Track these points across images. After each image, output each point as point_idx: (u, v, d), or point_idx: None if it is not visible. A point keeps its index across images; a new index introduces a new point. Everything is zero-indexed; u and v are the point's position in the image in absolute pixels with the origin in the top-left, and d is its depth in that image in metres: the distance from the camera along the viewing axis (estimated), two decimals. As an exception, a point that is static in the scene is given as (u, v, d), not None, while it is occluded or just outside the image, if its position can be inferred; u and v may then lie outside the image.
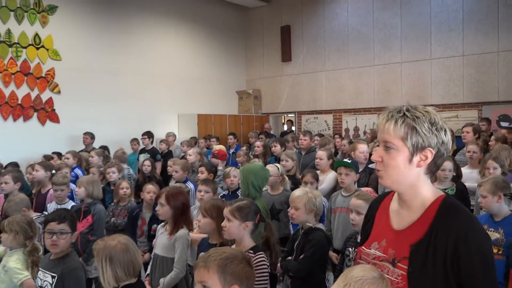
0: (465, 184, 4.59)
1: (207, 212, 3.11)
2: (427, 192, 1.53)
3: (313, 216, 3.28)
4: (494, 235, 3.01)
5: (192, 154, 6.62)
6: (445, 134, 1.49)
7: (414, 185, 1.52)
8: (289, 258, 3.26)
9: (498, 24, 9.74)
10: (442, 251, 1.41)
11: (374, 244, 1.61)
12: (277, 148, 6.95)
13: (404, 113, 1.49)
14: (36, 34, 9.02)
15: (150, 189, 4.72)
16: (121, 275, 2.37)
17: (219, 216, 2.97)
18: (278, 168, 4.86)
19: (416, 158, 1.48)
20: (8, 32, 8.61)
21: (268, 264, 2.71)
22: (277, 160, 6.40)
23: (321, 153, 5.35)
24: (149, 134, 9.13)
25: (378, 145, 1.62)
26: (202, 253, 2.99)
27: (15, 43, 8.70)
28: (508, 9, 9.60)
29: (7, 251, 3.39)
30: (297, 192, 3.40)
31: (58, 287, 2.77)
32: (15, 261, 3.21)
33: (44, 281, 2.85)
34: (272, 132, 12.27)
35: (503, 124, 9.38)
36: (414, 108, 1.50)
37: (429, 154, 1.48)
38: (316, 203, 3.27)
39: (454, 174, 4.46)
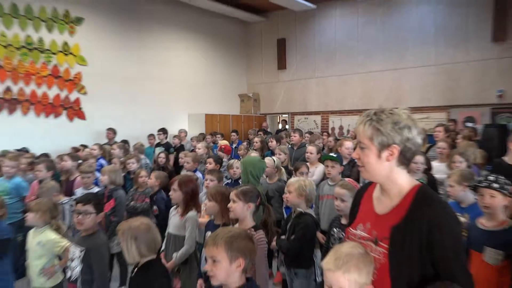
0: (434, 175, 4.61)
1: (213, 197, 3.13)
2: (402, 181, 1.53)
3: (304, 201, 3.29)
4: (460, 219, 3.02)
5: (201, 148, 6.62)
6: (409, 131, 1.48)
7: (389, 176, 1.53)
8: (283, 237, 3.29)
9: (466, 38, 9.75)
10: (418, 232, 1.41)
11: (360, 226, 1.62)
12: (273, 144, 6.99)
13: (371, 117, 1.50)
14: (65, 42, 8.98)
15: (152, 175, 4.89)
16: (144, 251, 2.38)
17: (223, 200, 2.99)
18: (274, 161, 4.88)
19: (384, 154, 1.49)
20: (40, 40, 8.58)
21: (266, 240, 2.73)
22: (273, 154, 6.41)
23: (311, 148, 5.36)
24: (163, 131, 9.13)
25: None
26: (209, 233, 3.03)
27: (46, 50, 8.67)
28: (475, 26, 9.60)
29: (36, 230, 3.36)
30: (292, 180, 3.45)
31: (85, 260, 2.79)
32: (54, 237, 3.22)
33: (74, 254, 2.86)
34: (269, 130, 12.29)
35: (468, 124, 9.38)
36: (381, 111, 1.51)
37: (395, 150, 1.48)
38: (306, 189, 3.28)
39: (426, 167, 4.48)
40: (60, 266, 3.25)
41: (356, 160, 1.58)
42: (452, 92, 9.98)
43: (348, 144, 5.44)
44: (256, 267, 2.49)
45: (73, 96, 9.12)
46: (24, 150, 7.15)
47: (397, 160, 1.50)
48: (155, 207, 4.68)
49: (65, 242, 3.18)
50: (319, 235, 3.53)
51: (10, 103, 8.10)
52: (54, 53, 8.79)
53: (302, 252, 3.18)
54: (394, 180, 1.53)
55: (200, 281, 3.03)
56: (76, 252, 2.86)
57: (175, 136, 9.30)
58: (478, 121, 9.50)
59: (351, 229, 1.66)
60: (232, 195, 2.79)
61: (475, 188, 2.67)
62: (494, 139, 7.67)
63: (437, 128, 6.21)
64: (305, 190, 3.27)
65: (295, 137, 6.87)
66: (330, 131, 11.46)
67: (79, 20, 9.21)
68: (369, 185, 1.72)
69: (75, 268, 2.81)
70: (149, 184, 4.79)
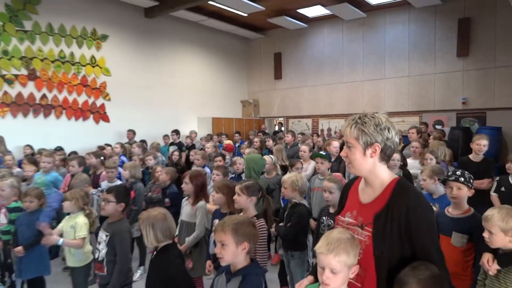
0: (409, 170, 4.61)
1: (220, 189, 3.12)
2: (383, 175, 1.54)
3: (298, 193, 3.29)
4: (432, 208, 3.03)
5: (210, 147, 6.62)
6: (388, 132, 1.50)
7: (372, 171, 1.53)
8: (281, 224, 3.29)
9: (434, 53, 9.76)
10: (397, 218, 1.43)
11: (348, 214, 1.62)
12: (269, 143, 7.01)
13: (356, 121, 1.52)
14: (92, 56, 8.96)
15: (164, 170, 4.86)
16: (160, 237, 2.38)
17: (229, 193, 2.99)
18: (271, 159, 4.88)
19: (368, 152, 1.50)
20: (72, 54, 8.56)
21: (266, 227, 2.73)
22: (270, 152, 6.41)
23: (304, 147, 5.37)
24: (176, 132, 9.14)
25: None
26: (216, 220, 3.03)
27: (76, 62, 8.65)
28: (442, 43, 9.64)
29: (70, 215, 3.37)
30: (285, 177, 3.43)
31: (109, 243, 2.80)
32: (83, 220, 3.22)
33: (101, 238, 2.87)
34: (267, 131, 12.28)
35: (438, 127, 9.42)
36: (364, 115, 1.52)
37: (377, 148, 1.49)
38: (298, 184, 3.28)
39: (402, 163, 4.48)
40: (66, 245, 3.22)
41: (343, 158, 1.58)
42: (423, 99, 9.99)
43: (335, 143, 5.45)
44: (257, 250, 2.49)
45: (99, 102, 9.11)
46: (59, 149, 7.16)
47: (379, 156, 1.51)
48: (166, 200, 4.67)
49: (82, 234, 3.17)
50: (311, 222, 3.55)
51: (46, 108, 8.09)
52: (83, 65, 8.77)
53: (297, 237, 3.18)
54: (377, 174, 1.54)
55: (209, 262, 3.03)
56: (103, 236, 2.86)
57: (187, 137, 9.30)
58: (446, 124, 9.52)
59: (340, 216, 1.67)
60: (237, 189, 2.79)
61: (444, 181, 2.68)
62: (459, 139, 7.70)
63: (411, 130, 6.22)
64: (297, 184, 3.27)
65: (288, 138, 6.89)
66: (319, 132, 11.46)
67: (104, 37, 9.20)
68: (355, 179, 1.72)
69: (102, 250, 2.82)
70: (161, 179, 4.76)
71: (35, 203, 3.44)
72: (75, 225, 3.19)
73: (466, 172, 2.60)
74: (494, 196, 4.13)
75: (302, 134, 8.54)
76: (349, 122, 1.54)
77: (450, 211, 2.58)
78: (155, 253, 2.44)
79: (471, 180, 2.55)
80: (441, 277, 1.38)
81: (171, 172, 4.89)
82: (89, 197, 3.41)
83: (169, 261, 2.36)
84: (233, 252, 1.82)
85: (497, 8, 8.78)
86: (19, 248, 3.29)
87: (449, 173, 2.67)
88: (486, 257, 2.10)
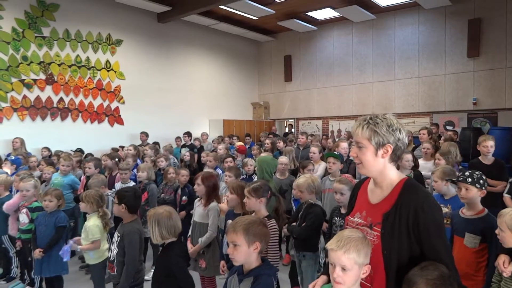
0: (421, 172, 4.55)
1: (234, 190, 3.11)
2: (393, 175, 1.54)
3: (314, 195, 3.26)
4: (444, 209, 2.98)
5: (222, 149, 6.61)
6: (400, 133, 1.49)
7: (382, 171, 1.53)
8: (294, 224, 3.27)
9: (444, 54, 9.63)
10: (406, 217, 1.42)
11: (357, 214, 1.62)
12: (280, 144, 6.94)
13: (368, 121, 1.50)
14: (107, 61, 9.10)
15: (183, 173, 4.83)
16: (165, 234, 2.41)
17: (243, 193, 2.98)
18: (287, 159, 4.86)
19: (380, 152, 1.49)
20: (87, 59, 8.70)
21: (278, 228, 2.72)
22: (281, 153, 6.37)
23: (314, 149, 5.33)
24: (188, 134, 9.17)
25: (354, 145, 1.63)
26: (229, 221, 3.03)
27: (92, 67, 8.79)
28: (451, 44, 9.51)
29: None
30: (300, 180, 3.33)
31: (120, 244, 2.82)
32: (94, 222, 3.28)
33: (115, 238, 2.91)
34: (277, 132, 12.24)
35: (448, 128, 9.28)
36: (376, 116, 1.52)
37: (389, 148, 1.49)
38: (315, 186, 3.25)
39: (413, 164, 4.43)
40: (82, 249, 3.31)
41: (352, 159, 1.58)
42: (433, 100, 9.87)
43: (344, 144, 5.41)
44: (269, 250, 2.49)
45: (114, 105, 9.23)
46: (79, 150, 7.22)
47: (389, 157, 1.50)
48: (184, 198, 4.68)
49: (95, 237, 3.23)
50: (323, 224, 3.52)
51: (63, 111, 8.24)
52: (98, 70, 8.90)
53: (310, 237, 3.15)
54: (386, 174, 1.53)
55: (222, 262, 3.03)
56: (115, 236, 2.90)
57: (195, 139, 9.27)
58: (457, 125, 9.38)
59: (350, 217, 1.66)
60: (246, 192, 2.79)
61: (453, 183, 2.64)
62: (471, 140, 7.56)
63: (421, 131, 6.14)
64: (314, 186, 3.24)
65: (303, 139, 6.82)
66: (329, 134, 11.40)
67: (119, 42, 9.33)
68: (364, 180, 1.72)
69: (114, 250, 2.85)
70: (181, 180, 4.75)
71: (54, 203, 3.51)
72: (87, 229, 3.25)
73: (476, 172, 2.53)
74: (507, 197, 4.04)
75: (312, 135, 8.48)
76: (361, 123, 1.52)
77: (464, 212, 2.54)
78: (161, 249, 2.48)
79: (481, 181, 2.48)
80: (450, 277, 1.36)
81: (187, 172, 4.92)
82: (104, 199, 3.45)
83: (171, 258, 2.40)
84: (245, 252, 1.82)
85: (507, 8, 8.63)
86: (38, 251, 3.37)
87: (459, 174, 2.63)
88: (502, 259, 2.06)
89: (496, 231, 2.07)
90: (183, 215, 4.37)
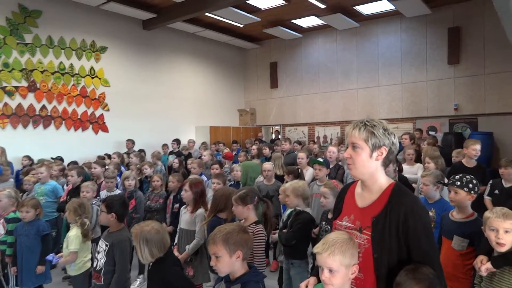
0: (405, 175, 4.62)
1: (239, 201, 2.83)
2: (382, 179, 1.54)
3: (301, 200, 3.23)
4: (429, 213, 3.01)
5: (206, 155, 6.57)
6: (394, 137, 1.53)
7: (373, 174, 1.53)
8: (284, 231, 3.25)
9: (426, 61, 9.85)
10: (395, 221, 1.43)
11: (345, 218, 1.61)
12: (266, 151, 6.92)
13: (365, 123, 1.52)
14: (92, 67, 8.97)
15: (174, 179, 4.68)
16: (156, 252, 2.29)
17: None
18: (272, 165, 4.87)
19: (375, 154, 1.50)
20: (71, 66, 8.56)
21: (265, 233, 2.70)
22: (267, 159, 6.37)
23: (302, 155, 5.34)
24: (177, 141, 9.11)
25: (347, 147, 1.63)
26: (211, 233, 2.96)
27: (76, 74, 8.65)
28: (432, 51, 9.74)
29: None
30: (286, 185, 3.35)
31: (109, 253, 2.74)
32: (74, 234, 3.21)
33: (101, 247, 2.83)
34: (263, 139, 12.26)
35: (431, 132, 9.45)
36: (371, 120, 1.53)
37: (384, 151, 1.50)
38: (300, 189, 3.23)
39: (397, 168, 4.48)
40: (62, 263, 3.24)
41: (346, 158, 1.58)
42: (416, 106, 10.05)
43: (332, 148, 5.43)
44: (255, 256, 2.47)
45: (98, 112, 9.09)
46: (59, 159, 7.10)
47: (382, 160, 1.52)
48: (176, 205, 4.55)
49: (72, 248, 3.16)
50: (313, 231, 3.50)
51: (45, 119, 8.06)
52: (82, 77, 8.76)
53: (297, 245, 3.12)
54: (377, 178, 1.54)
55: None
56: (102, 245, 2.82)
57: (183, 147, 9.20)
58: (439, 130, 9.56)
59: (338, 221, 1.66)
60: (233, 200, 2.75)
61: (446, 185, 2.67)
62: (452, 145, 7.74)
63: (404, 136, 6.28)
64: (299, 190, 3.22)
65: (286, 145, 6.85)
66: (315, 140, 11.47)
67: (103, 49, 9.22)
68: (351, 184, 1.72)
69: (101, 260, 2.77)
70: (172, 187, 4.58)
71: (31, 213, 3.42)
72: (68, 239, 3.18)
73: (467, 176, 2.53)
74: (487, 199, 4.14)
75: (299, 142, 8.51)
76: (357, 124, 1.53)
77: (454, 215, 2.56)
78: (151, 264, 2.39)
79: (470, 185, 2.47)
80: (437, 277, 1.39)
81: (180, 178, 4.81)
82: (85, 207, 3.36)
83: (166, 270, 2.31)
84: (228, 263, 1.79)
85: (485, 17, 8.89)
86: (40, 267, 3.36)
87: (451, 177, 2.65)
88: (480, 259, 2.11)
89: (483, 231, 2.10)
90: (170, 229, 4.11)
